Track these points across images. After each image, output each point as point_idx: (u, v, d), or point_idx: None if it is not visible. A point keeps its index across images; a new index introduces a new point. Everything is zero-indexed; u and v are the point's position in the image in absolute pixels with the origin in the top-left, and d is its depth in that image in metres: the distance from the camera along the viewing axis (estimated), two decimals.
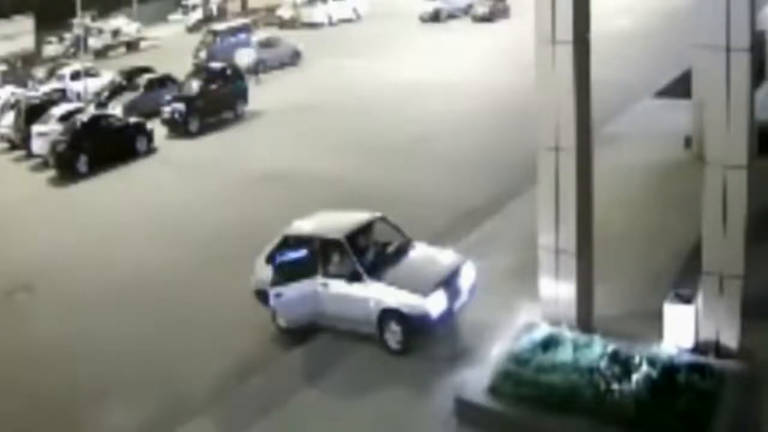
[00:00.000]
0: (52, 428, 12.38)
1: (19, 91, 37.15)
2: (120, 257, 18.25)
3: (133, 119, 28.77)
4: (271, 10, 58.46)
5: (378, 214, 14.01)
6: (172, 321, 14.80)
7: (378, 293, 12.51)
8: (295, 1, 57.14)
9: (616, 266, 13.21)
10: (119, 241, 19.42)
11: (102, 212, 22.11)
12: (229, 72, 32.26)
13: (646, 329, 11.22)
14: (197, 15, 60.64)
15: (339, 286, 12.85)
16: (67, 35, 54.00)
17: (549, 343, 11.12)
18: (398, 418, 10.99)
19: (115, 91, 34.13)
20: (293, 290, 12.84)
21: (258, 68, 37.19)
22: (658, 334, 10.99)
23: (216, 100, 30.47)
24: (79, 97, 36.08)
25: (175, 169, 25.62)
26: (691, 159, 17.18)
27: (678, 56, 22.02)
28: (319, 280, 12.92)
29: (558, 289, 11.70)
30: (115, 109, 31.32)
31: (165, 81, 33.62)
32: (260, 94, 32.66)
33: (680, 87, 21.76)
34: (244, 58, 37.86)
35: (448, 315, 12.54)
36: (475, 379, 11.04)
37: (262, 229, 13.75)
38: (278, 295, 12.86)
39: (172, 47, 51.30)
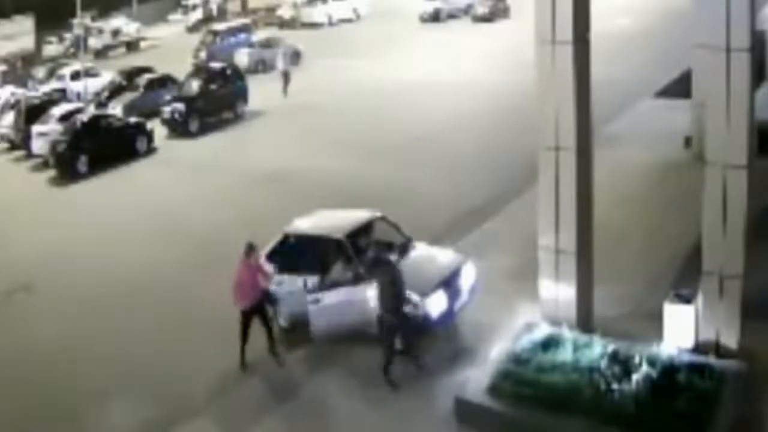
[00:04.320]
0: (53, 428, 12.37)
1: (19, 91, 37.13)
2: (120, 257, 18.24)
3: (133, 119, 28.77)
4: (271, 10, 58.44)
5: (378, 214, 13.98)
6: (172, 321, 14.80)
7: None
8: (295, 1, 57.12)
9: (616, 266, 13.21)
10: (119, 241, 19.42)
11: (102, 212, 22.10)
12: (229, 72, 32.26)
13: (646, 329, 11.24)
14: (197, 15, 60.67)
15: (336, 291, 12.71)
16: (67, 35, 53.98)
17: (549, 343, 11.13)
18: (398, 418, 10.99)
19: (115, 91, 34.13)
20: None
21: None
22: (658, 334, 10.99)
23: (216, 100, 30.45)
24: (79, 97, 36.09)
25: (175, 169, 25.60)
26: (691, 159, 17.17)
27: (678, 56, 22.01)
28: (310, 296, 12.48)
29: (558, 290, 11.70)
30: (115, 109, 31.32)
31: (165, 81, 33.61)
32: (260, 95, 32.60)
33: (680, 87, 21.75)
34: (251, 61, 37.83)
35: (449, 315, 12.52)
36: (475, 379, 11.04)
37: (263, 228, 13.75)
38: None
39: (172, 47, 51.29)
